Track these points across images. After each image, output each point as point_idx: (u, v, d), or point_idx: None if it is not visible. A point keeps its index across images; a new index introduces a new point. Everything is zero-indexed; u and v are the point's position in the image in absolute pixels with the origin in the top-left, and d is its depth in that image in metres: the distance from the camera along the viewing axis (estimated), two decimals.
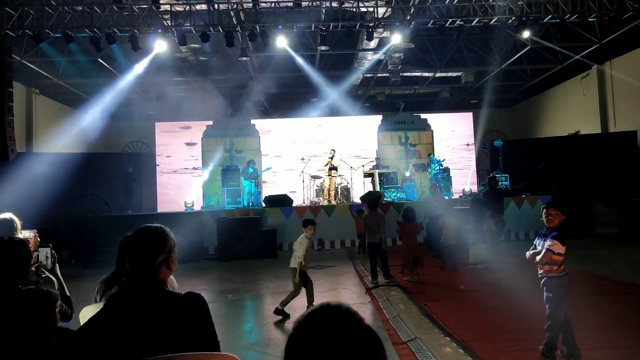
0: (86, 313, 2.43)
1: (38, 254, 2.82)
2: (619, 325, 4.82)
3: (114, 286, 2.45)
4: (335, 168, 14.82)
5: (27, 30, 11.46)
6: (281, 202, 13.74)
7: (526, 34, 12.45)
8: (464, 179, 18.25)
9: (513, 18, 11.87)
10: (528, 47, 15.00)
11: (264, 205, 14.10)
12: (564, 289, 3.97)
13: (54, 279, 2.82)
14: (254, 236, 11.87)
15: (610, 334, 4.58)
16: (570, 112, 18.47)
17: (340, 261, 10.73)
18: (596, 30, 14.00)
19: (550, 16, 11.84)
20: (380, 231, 7.67)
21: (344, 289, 7.97)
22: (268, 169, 16.03)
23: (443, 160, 15.67)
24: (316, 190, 15.40)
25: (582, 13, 11.69)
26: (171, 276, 2.15)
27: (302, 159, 16.67)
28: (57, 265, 2.88)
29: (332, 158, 14.84)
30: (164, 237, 1.92)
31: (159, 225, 1.97)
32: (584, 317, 5.14)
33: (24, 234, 2.97)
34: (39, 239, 2.92)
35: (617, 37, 13.80)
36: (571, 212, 13.27)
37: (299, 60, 15.14)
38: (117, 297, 1.81)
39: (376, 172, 15.12)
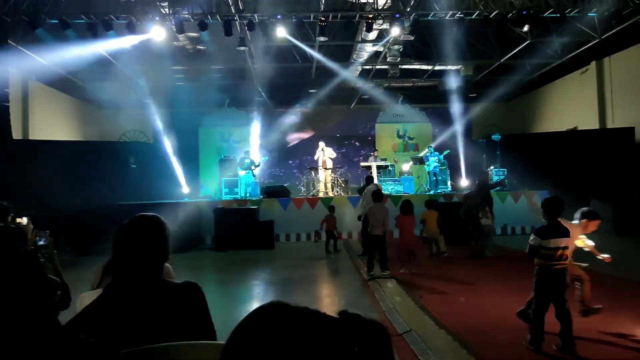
0: (83, 300, 2.42)
1: (37, 240, 2.81)
2: (613, 321, 4.86)
3: (111, 274, 2.44)
4: (327, 160, 14.79)
5: (23, 16, 11.35)
6: (279, 193, 13.74)
7: (526, 27, 12.41)
8: (461, 172, 18.27)
9: (513, 11, 11.82)
10: (527, 42, 14.95)
11: (261, 196, 14.10)
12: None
13: (50, 265, 2.81)
14: (251, 227, 11.86)
15: (604, 329, 4.61)
16: (569, 108, 18.46)
17: (338, 253, 10.75)
18: (596, 26, 13.96)
19: (550, 10, 11.79)
20: (386, 224, 7.69)
21: (340, 281, 8.00)
22: (264, 159, 16.01)
23: (446, 153, 15.57)
24: (313, 182, 15.41)
25: (582, 8, 11.66)
26: (168, 265, 2.14)
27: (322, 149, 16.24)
28: (56, 251, 2.88)
29: (322, 151, 14.83)
30: (159, 226, 1.91)
31: (154, 214, 1.95)
32: (577, 312, 5.19)
33: (18, 221, 2.96)
34: (32, 226, 2.90)
35: (616, 32, 13.77)
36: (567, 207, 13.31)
37: (300, 47, 15.03)
38: (114, 286, 1.80)
39: (374, 164, 15.10)
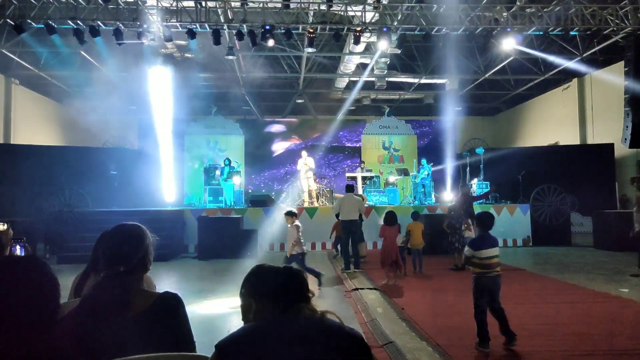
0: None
1: (10, 247, 2.77)
2: (592, 333, 4.92)
3: (89, 284, 2.41)
4: (309, 170, 14.79)
5: (9, 20, 11.22)
6: (264, 202, 13.70)
7: (510, 44, 12.65)
8: (445, 185, 18.42)
9: (498, 28, 12.06)
10: (512, 58, 15.25)
11: (246, 205, 14.04)
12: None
13: None
14: (234, 236, 11.79)
15: (582, 342, 4.67)
16: (551, 123, 18.82)
17: (321, 263, 10.72)
18: (578, 44, 14.33)
19: (534, 28, 12.07)
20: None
21: (323, 292, 7.97)
22: (240, 165, 15.99)
23: (430, 165, 15.67)
24: (298, 192, 15.39)
25: (565, 26, 11.95)
26: (148, 275, 2.13)
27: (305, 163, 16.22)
28: None
29: (305, 160, 14.85)
30: (141, 236, 1.91)
31: (135, 223, 1.95)
32: (557, 325, 5.25)
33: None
34: (11, 232, 2.86)
35: (597, 51, 14.14)
36: (548, 221, 13.52)
37: (288, 58, 15.10)
38: (92, 296, 1.79)
39: (359, 175, 15.16)
